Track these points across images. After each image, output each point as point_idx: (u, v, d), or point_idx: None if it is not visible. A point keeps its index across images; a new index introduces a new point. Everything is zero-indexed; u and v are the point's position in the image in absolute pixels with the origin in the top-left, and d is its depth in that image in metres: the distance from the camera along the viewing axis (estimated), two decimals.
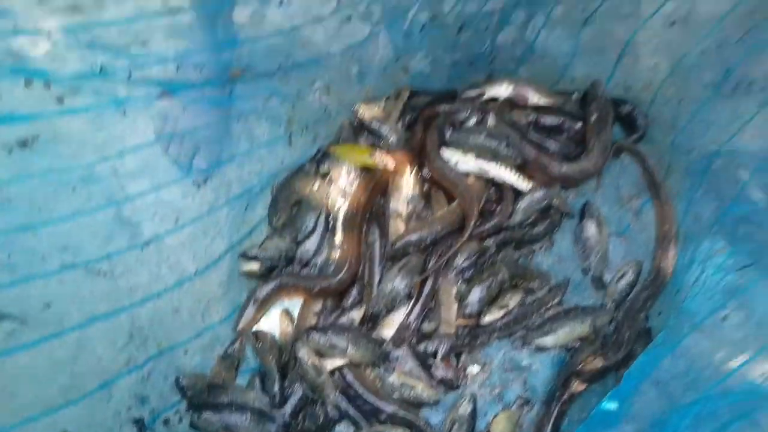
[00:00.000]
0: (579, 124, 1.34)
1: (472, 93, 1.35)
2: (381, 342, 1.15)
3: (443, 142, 1.29)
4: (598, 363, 1.14)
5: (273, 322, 1.20)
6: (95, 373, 0.91)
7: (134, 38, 0.82)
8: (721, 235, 1.17)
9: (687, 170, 1.27)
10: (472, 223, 1.16)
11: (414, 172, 1.27)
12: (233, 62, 1.00)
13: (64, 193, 0.84)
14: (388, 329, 1.17)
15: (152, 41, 0.84)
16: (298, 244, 1.23)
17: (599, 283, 1.25)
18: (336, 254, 1.21)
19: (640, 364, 1.06)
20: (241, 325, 1.14)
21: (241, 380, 1.17)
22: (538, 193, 1.25)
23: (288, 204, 1.24)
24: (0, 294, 0.78)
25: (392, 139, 1.28)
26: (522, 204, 1.26)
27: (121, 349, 0.95)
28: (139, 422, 0.99)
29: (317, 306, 1.19)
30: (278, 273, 1.19)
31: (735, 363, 0.97)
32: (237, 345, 1.15)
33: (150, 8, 0.81)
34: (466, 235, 1.16)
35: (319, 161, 1.28)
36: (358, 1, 1.11)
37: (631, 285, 1.24)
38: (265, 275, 1.18)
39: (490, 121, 1.31)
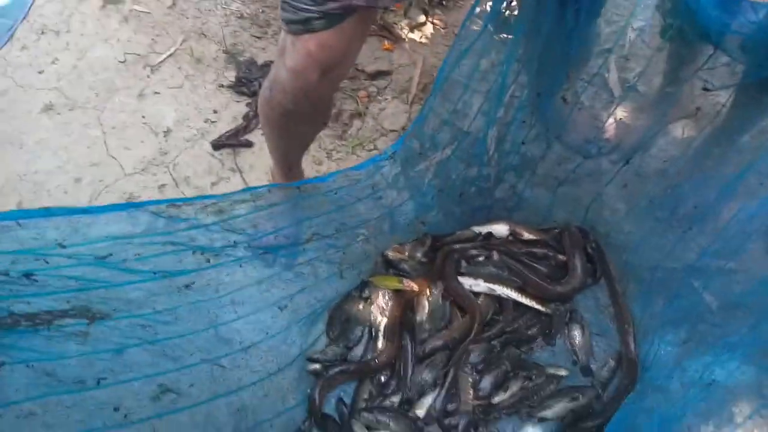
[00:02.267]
0: (559, 255, 1.70)
1: (480, 229, 1.74)
2: (416, 419, 1.43)
3: (459, 272, 1.64)
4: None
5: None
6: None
7: (251, 223, 1.30)
8: (668, 323, 1.46)
9: (639, 279, 1.59)
10: (476, 326, 1.51)
11: (433, 293, 1.60)
12: (307, 230, 1.45)
13: (204, 314, 1.27)
14: (420, 410, 1.45)
15: (260, 224, 1.31)
16: (349, 349, 1.53)
17: (587, 371, 1.53)
18: (378, 354, 1.51)
19: (615, 419, 1.34)
20: (312, 404, 1.44)
21: None
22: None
23: (340, 321, 1.56)
24: (168, 376, 1.18)
25: (413, 271, 1.64)
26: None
27: (232, 416, 1.29)
28: None
29: (366, 393, 1.47)
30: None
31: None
32: (307, 423, 1.44)
33: (260, 206, 1.29)
34: (472, 334, 1.51)
35: (362, 289, 1.61)
36: (386, 185, 1.53)
37: (613, 370, 1.53)
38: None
39: (495, 256, 1.68)
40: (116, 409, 1.10)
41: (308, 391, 1.48)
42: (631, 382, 1.49)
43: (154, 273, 1.16)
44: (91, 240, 1.04)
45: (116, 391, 1.10)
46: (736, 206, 1.35)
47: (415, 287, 1.60)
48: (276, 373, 1.43)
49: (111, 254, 1.08)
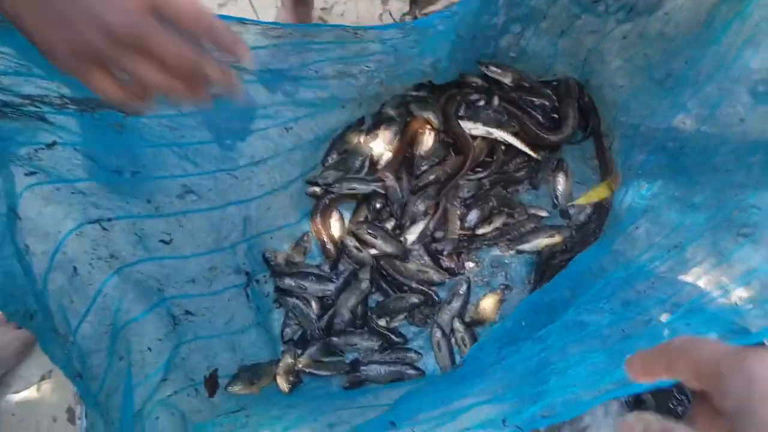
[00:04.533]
0: (554, 104, 1.75)
1: (494, 73, 1.73)
2: (405, 243, 1.58)
3: (459, 116, 1.71)
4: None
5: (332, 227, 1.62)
6: (229, 236, 1.39)
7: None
8: (643, 176, 1.55)
9: (623, 135, 1.64)
10: (468, 163, 1.61)
11: (432, 132, 1.69)
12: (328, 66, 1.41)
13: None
14: (411, 235, 1.59)
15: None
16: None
17: (565, 214, 1.67)
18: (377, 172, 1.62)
19: (581, 257, 1.48)
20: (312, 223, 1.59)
21: (308, 262, 1.60)
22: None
23: (339, 151, 1.65)
24: (189, 178, 1.27)
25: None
26: None
27: (240, 223, 1.42)
28: (248, 274, 1.45)
29: (362, 217, 1.60)
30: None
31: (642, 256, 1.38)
32: (306, 237, 1.58)
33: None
34: (465, 169, 1.61)
35: (363, 121, 1.67)
36: (403, 33, 1.45)
37: (589, 216, 1.66)
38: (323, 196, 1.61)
39: (495, 101, 1.74)
40: (149, 201, 1.20)
41: (307, 209, 1.60)
42: (599, 226, 1.63)
43: None
44: None
45: (148, 185, 1.20)
46: (720, 56, 1.32)
47: (416, 125, 1.66)
48: (279, 190, 1.54)
49: None
